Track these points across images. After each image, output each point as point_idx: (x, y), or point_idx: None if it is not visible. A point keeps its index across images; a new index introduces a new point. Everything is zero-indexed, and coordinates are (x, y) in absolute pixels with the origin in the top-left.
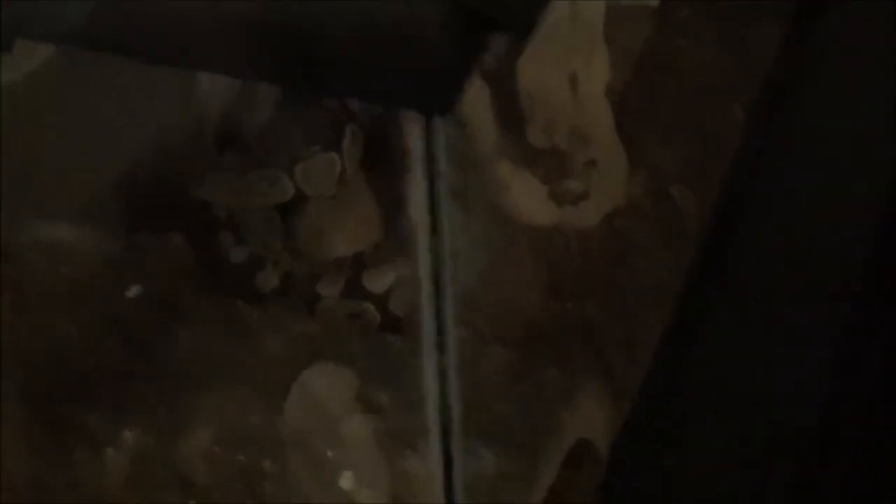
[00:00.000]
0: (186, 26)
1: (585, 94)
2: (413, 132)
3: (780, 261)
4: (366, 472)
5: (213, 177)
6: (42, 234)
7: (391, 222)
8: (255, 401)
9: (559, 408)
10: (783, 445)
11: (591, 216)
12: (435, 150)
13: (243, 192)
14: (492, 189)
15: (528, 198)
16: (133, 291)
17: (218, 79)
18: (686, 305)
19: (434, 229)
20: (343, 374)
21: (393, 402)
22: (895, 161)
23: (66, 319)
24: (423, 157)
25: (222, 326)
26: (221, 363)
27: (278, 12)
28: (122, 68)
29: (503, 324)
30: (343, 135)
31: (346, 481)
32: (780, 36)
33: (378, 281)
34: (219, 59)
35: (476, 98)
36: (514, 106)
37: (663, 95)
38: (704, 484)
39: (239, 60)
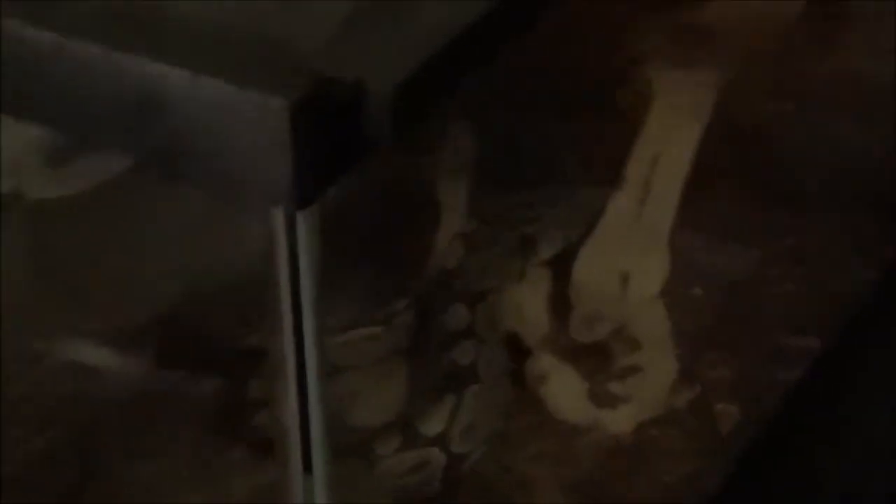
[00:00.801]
0: None
1: (636, 295)
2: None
3: None
4: None
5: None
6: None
7: None
8: None
9: None
10: None
11: (626, 422)
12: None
13: None
14: (531, 378)
15: (565, 393)
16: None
17: None
18: None
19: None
20: None
21: None
22: None
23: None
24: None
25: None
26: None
27: None
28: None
29: None
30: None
31: None
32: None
33: None
34: None
35: (533, 284)
36: (565, 297)
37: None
38: None
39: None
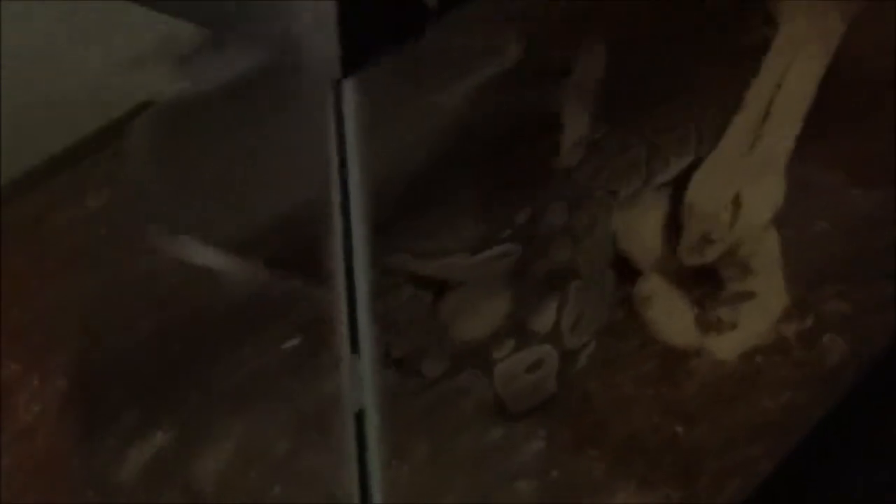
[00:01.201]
0: None
1: (748, 219)
2: None
3: None
4: None
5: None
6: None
7: None
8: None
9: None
10: None
11: (734, 348)
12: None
13: None
14: (638, 299)
15: (672, 317)
16: None
17: None
18: (806, 457)
19: None
20: None
21: None
22: None
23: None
24: None
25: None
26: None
27: None
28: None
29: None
30: None
31: None
32: None
33: None
34: None
35: (650, 206)
36: (677, 220)
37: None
38: None
39: None
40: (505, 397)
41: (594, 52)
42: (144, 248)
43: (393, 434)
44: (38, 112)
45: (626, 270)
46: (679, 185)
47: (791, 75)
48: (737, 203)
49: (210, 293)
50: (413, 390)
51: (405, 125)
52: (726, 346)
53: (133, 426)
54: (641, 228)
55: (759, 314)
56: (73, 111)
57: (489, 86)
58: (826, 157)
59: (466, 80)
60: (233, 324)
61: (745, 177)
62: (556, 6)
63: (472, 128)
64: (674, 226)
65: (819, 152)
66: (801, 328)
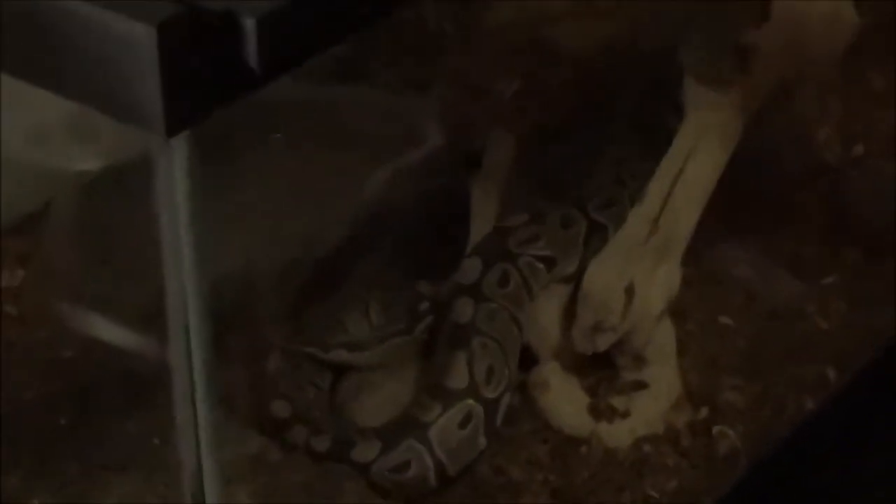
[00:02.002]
0: None
1: (642, 308)
2: None
3: None
4: None
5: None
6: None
7: None
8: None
9: None
10: None
11: (623, 437)
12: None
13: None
14: (533, 385)
15: (565, 404)
16: None
17: None
18: None
19: None
20: None
21: None
22: None
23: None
24: None
25: None
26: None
27: None
28: None
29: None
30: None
31: None
32: None
33: None
34: None
35: (550, 296)
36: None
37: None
38: None
39: None
40: (444, 460)
41: (503, 143)
42: (48, 321)
43: None
44: None
45: (524, 357)
46: (581, 275)
47: (692, 164)
48: (630, 292)
49: (103, 365)
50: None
51: (316, 207)
52: (617, 434)
53: (12, 492)
54: (541, 316)
55: (650, 403)
56: None
57: (406, 172)
58: (734, 253)
59: (385, 165)
60: (121, 395)
61: (640, 266)
62: (473, 101)
63: (386, 212)
64: (572, 314)
65: (728, 248)
66: (692, 419)
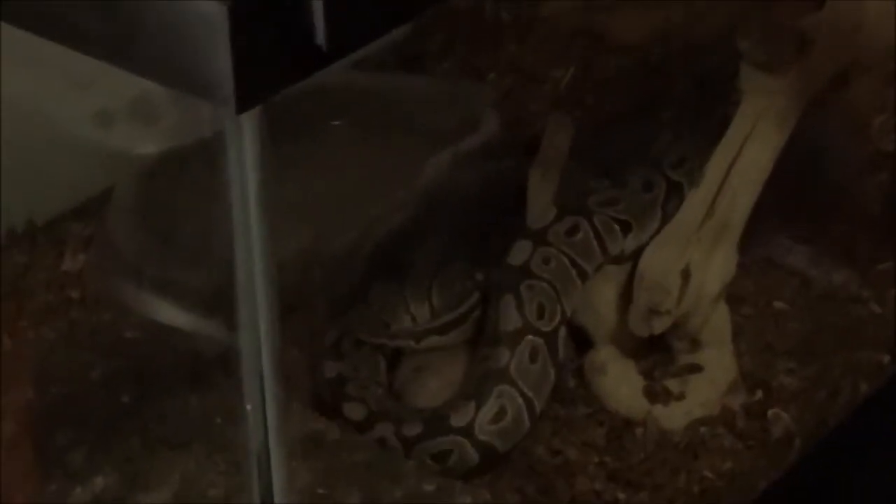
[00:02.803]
0: None
1: (698, 291)
2: None
3: None
4: None
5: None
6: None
7: None
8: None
9: None
10: None
11: (678, 419)
12: None
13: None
14: (589, 369)
15: (621, 386)
16: None
17: None
18: None
19: None
20: None
21: None
22: None
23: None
24: None
25: None
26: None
27: None
28: None
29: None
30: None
31: None
32: None
33: None
34: None
35: (607, 278)
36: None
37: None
38: None
39: None
40: (532, 395)
41: (561, 126)
42: (111, 305)
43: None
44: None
45: (580, 341)
46: (637, 258)
47: (748, 149)
48: (686, 275)
49: (165, 346)
50: (351, 444)
51: (375, 192)
52: (672, 417)
53: (76, 469)
54: (596, 300)
55: (705, 386)
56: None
57: (464, 157)
58: (789, 240)
59: (443, 151)
60: (182, 374)
61: (697, 249)
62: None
63: (445, 197)
64: (628, 297)
65: (783, 234)
66: (747, 401)
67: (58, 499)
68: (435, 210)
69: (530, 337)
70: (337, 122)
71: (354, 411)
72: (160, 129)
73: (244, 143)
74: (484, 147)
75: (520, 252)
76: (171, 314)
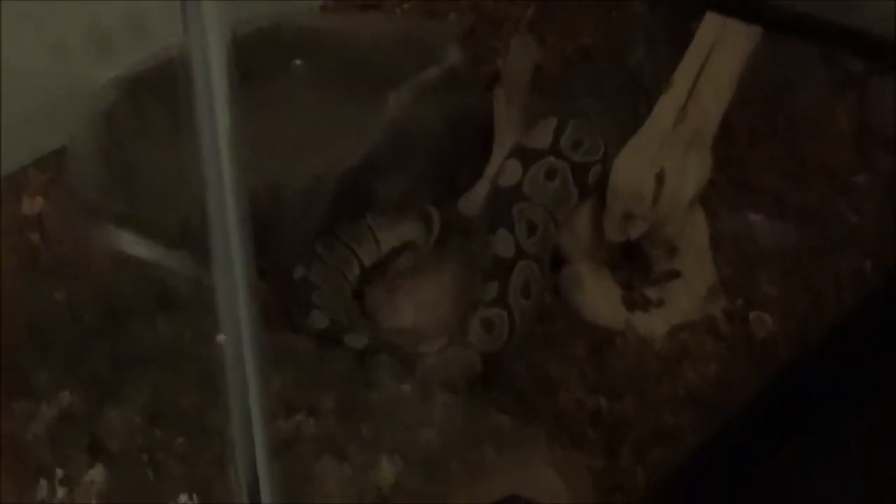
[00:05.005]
0: None
1: (673, 195)
2: None
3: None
4: None
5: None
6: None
7: None
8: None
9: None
10: None
11: (659, 325)
12: None
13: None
14: (565, 284)
15: (599, 298)
16: None
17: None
18: (733, 432)
19: None
20: None
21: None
22: None
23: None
24: None
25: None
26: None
27: None
28: None
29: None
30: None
31: None
32: None
33: None
34: None
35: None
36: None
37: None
38: None
39: None
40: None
41: (523, 47)
42: (73, 242)
43: (296, 392)
44: None
45: (554, 259)
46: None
47: (716, 54)
48: (660, 179)
49: (127, 273)
50: (324, 354)
51: (337, 129)
52: (652, 324)
53: (42, 386)
54: (571, 219)
55: (684, 292)
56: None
57: (427, 90)
58: (763, 157)
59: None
60: (148, 299)
61: (670, 154)
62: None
63: (410, 130)
64: (601, 210)
65: (756, 152)
66: (728, 307)
67: (23, 416)
68: (399, 144)
69: (524, 262)
70: (298, 62)
71: (318, 320)
72: (116, 57)
73: (212, 73)
74: (447, 80)
75: (511, 172)
76: (133, 247)
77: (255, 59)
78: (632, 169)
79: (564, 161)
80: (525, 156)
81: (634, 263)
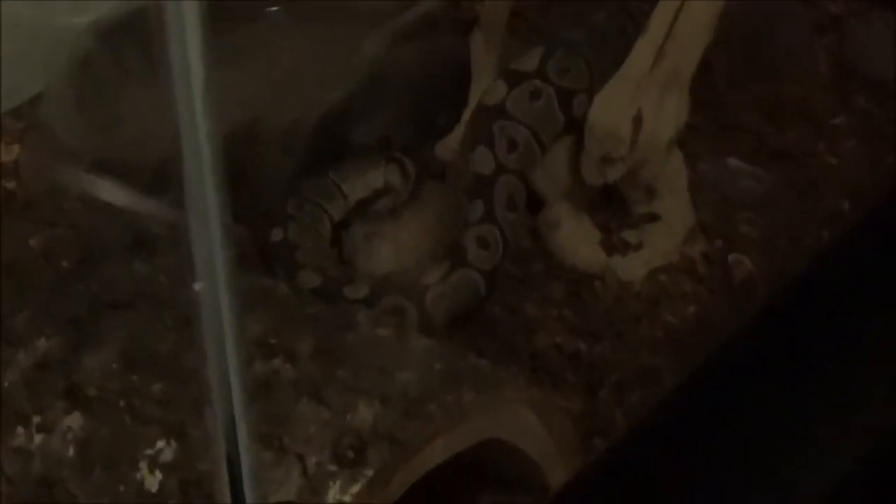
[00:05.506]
0: None
1: (650, 137)
2: None
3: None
4: None
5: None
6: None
7: None
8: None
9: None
10: None
11: (637, 268)
12: None
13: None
14: (544, 226)
15: (578, 240)
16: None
17: None
18: (709, 376)
19: None
20: None
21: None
22: None
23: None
24: None
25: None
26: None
27: None
28: None
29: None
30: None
31: None
32: None
33: None
34: None
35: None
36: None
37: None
38: None
39: None
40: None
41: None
42: (48, 189)
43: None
44: None
45: (532, 202)
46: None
47: None
48: (638, 121)
49: (104, 219)
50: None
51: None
52: (631, 267)
53: (18, 332)
54: (548, 158)
55: (663, 235)
56: None
57: (403, 33)
58: (742, 99)
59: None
60: (124, 242)
61: (647, 95)
62: None
63: (387, 73)
64: (580, 152)
65: (735, 94)
66: (707, 249)
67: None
68: (376, 87)
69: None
70: (274, 8)
71: (309, 279)
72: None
73: (185, 18)
74: (425, 24)
75: (496, 91)
76: (110, 192)
77: (233, 4)
78: (609, 111)
79: (549, 85)
80: (511, 77)
81: (613, 206)
